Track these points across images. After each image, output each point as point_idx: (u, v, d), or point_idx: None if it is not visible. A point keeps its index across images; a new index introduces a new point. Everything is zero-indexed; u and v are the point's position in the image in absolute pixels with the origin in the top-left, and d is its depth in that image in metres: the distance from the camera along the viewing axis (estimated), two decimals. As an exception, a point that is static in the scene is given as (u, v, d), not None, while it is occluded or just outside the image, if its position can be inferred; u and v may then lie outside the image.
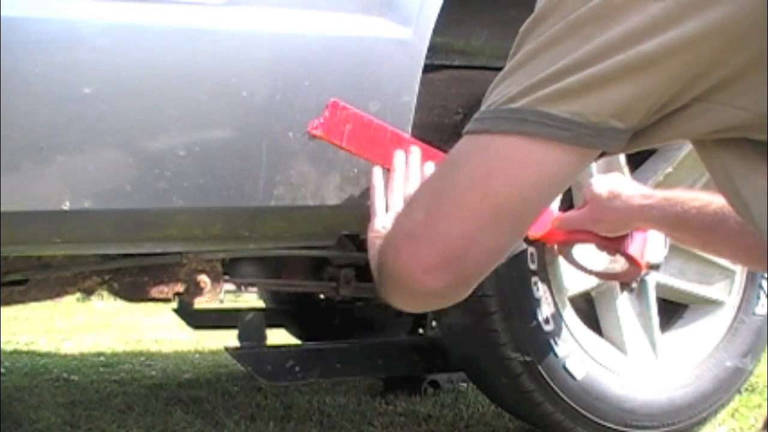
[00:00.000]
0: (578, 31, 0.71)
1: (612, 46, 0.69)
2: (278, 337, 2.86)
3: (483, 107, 0.76)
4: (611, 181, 1.31)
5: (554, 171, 0.73)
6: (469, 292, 0.84)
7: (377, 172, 1.26)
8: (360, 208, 1.39)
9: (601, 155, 0.75)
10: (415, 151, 1.28)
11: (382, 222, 1.19)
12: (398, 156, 1.26)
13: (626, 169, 1.73)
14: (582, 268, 1.46)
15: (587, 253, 1.45)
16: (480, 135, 0.74)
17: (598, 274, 1.52)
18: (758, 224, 0.74)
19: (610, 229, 1.33)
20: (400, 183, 1.23)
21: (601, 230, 1.34)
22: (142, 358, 3.47)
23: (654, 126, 0.73)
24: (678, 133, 0.76)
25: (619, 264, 1.43)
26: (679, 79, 0.69)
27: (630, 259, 1.37)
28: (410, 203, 0.87)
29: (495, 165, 0.73)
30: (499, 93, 0.74)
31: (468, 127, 0.76)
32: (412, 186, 1.23)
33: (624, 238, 1.35)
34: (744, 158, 0.74)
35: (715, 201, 1.12)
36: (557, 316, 1.60)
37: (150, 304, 2.05)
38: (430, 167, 1.25)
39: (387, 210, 1.20)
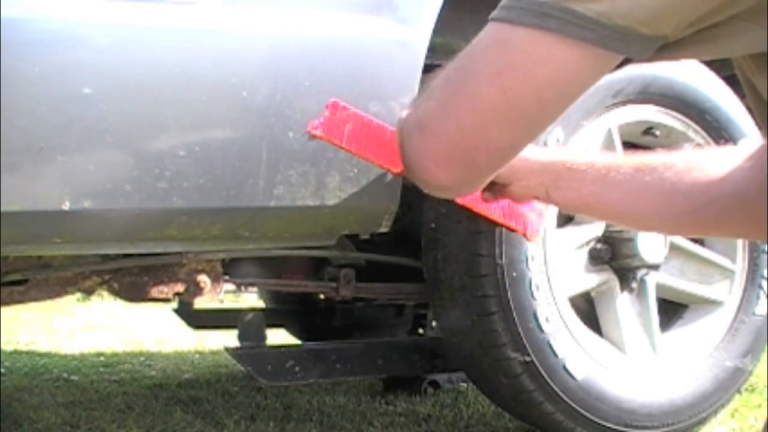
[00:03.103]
0: None
1: None
2: (278, 337, 2.86)
3: None
4: None
5: (572, 71, 0.70)
6: (479, 188, 0.84)
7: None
8: (360, 208, 1.39)
9: (624, 63, 0.72)
10: None
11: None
12: None
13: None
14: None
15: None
16: (502, 24, 0.72)
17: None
18: None
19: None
20: None
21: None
22: (142, 358, 3.47)
23: (687, 40, 0.70)
24: (712, 51, 0.74)
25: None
26: None
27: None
28: (428, 91, 0.83)
29: (513, 59, 0.71)
30: None
31: (493, 13, 0.74)
32: None
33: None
34: None
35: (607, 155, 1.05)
36: (557, 316, 1.60)
37: (150, 304, 2.05)
38: None
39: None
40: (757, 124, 0.81)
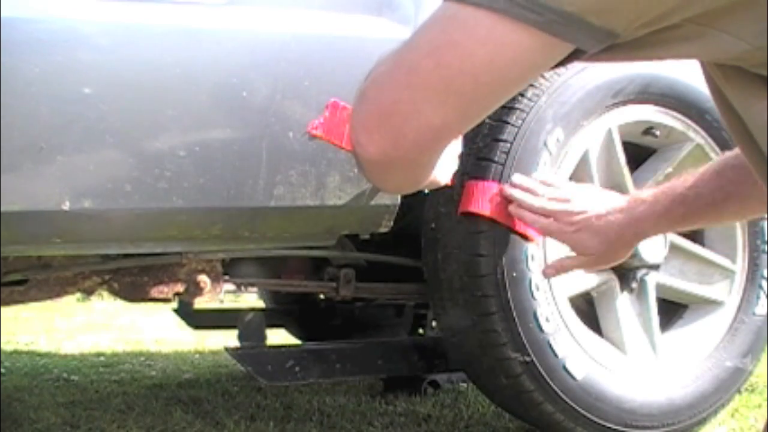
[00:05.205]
0: None
1: None
2: (278, 337, 2.86)
3: None
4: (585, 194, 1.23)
5: (513, 55, 0.67)
6: (407, 175, 0.81)
7: None
8: (360, 208, 1.39)
9: (573, 59, 0.69)
10: None
11: None
12: None
13: (626, 169, 1.73)
14: None
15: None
16: (452, 2, 0.69)
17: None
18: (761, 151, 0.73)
19: (616, 252, 1.21)
20: None
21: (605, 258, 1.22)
22: (142, 358, 3.47)
23: (641, 40, 0.69)
24: (668, 53, 0.73)
25: None
26: None
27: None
28: (377, 61, 0.81)
29: (455, 36, 0.68)
30: None
31: None
32: None
33: None
34: (744, 88, 0.72)
35: (692, 176, 1.12)
36: (557, 316, 1.60)
37: (150, 304, 2.05)
38: None
39: None
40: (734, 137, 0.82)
